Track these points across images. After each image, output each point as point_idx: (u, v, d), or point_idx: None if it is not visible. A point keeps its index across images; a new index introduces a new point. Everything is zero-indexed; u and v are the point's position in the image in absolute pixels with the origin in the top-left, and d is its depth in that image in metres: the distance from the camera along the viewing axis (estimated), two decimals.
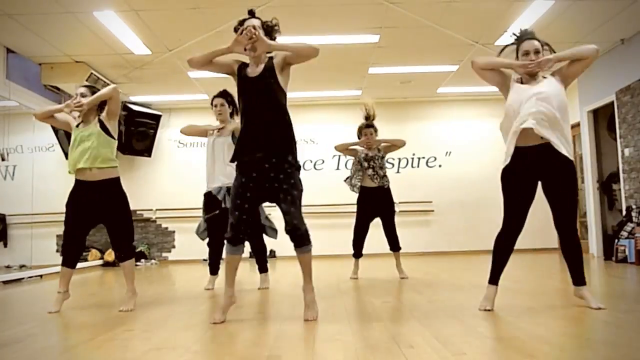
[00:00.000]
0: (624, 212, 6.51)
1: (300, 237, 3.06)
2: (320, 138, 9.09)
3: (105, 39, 5.79)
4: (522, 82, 3.32)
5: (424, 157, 9.08)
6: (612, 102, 6.58)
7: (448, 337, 2.49)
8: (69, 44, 5.98)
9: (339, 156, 9.06)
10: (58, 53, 6.21)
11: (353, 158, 5.24)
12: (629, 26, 5.84)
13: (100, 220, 3.69)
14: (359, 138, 5.23)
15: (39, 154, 8.45)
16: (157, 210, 8.90)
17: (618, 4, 5.24)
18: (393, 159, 9.08)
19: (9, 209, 8.02)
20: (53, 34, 5.64)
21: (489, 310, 3.14)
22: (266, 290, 4.57)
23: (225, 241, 3.08)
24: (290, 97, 8.00)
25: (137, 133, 8.44)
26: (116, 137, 3.72)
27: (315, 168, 9.03)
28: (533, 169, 3.14)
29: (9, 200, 7.95)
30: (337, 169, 9.03)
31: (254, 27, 3.04)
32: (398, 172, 9.04)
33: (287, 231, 3.06)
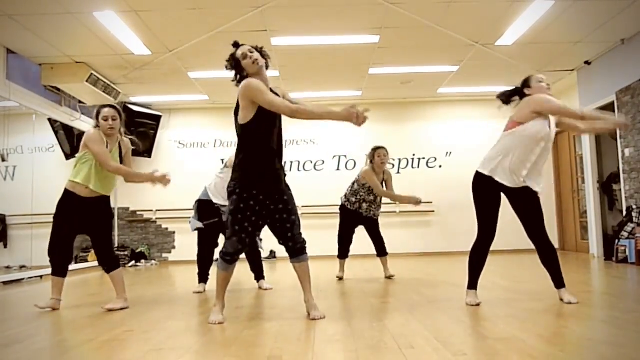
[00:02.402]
0: (624, 213, 6.51)
1: (301, 249, 3.13)
2: (321, 138, 9.09)
3: (106, 39, 5.79)
4: None
5: (424, 158, 9.08)
6: (613, 103, 6.58)
7: (448, 337, 2.49)
8: (69, 44, 5.98)
9: (339, 157, 9.07)
10: (58, 53, 6.21)
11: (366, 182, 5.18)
12: (629, 26, 5.84)
13: (86, 232, 3.82)
14: (372, 160, 5.19)
15: (39, 155, 8.44)
16: (157, 210, 8.90)
17: (618, 4, 5.23)
18: (393, 160, 9.08)
19: (9, 210, 8.02)
20: (53, 34, 5.64)
21: (479, 303, 3.35)
22: (267, 290, 4.57)
23: (220, 258, 3.10)
24: (291, 97, 7.92)
25: (137, 134, 8.43)
26: None
27: (315, 169, 9.02)
28: (498, 189, 3.41)
29: (9, 201, 7.94)
30: (337, 169, 9.03)
31: (250, 51, 3.16)
32: (398, 172, 9.03)
33: (292, 248, 3.12)
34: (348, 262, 5.58)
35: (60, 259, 3.74)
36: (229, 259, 3.05)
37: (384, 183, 5.27)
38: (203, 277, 4.69)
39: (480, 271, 3.50)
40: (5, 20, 5.20)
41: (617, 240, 6.29)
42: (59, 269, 3.74)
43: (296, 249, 3.11)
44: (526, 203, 3.37)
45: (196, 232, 4.69)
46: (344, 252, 5.38)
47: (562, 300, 3.34)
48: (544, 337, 2.42)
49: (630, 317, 2.90)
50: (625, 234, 6.17)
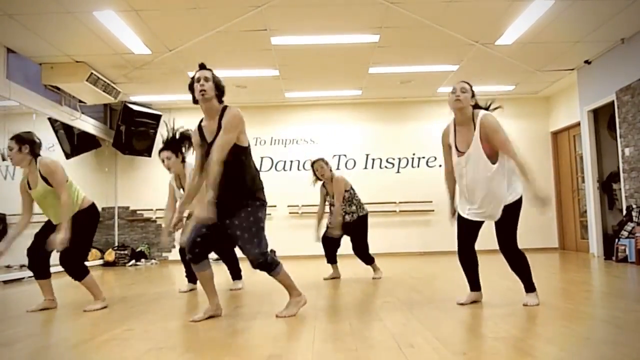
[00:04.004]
0: (624, 212, 6.51)
1: (264, 267, 3.14)
2: (320, 138, 9.09)
3: (106, 38, 5.78)
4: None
5: (424, 157, 9.08)
6: (613, 102, 6.58)
7: (448, 336, 2.49)
8: (69, 43, 5.98)
9: (339, 156, 9.07)
10: (58, 53, 6.21)
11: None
12: (629, 26, 5.84)
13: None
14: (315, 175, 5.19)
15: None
16: (157, 210, 8.90)
17: (618, 3, 5.23)
18: (393, 159, 9.09)
19: (9, 209, 8.01)
20: (53, 33, 5.64)
21: (461, 304, 3.35)
22: (253, 290, 4.57)
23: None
24: (290, 97, 8.04)
25: (138, 133, 8.44)
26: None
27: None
28: None
29: (9, 200, 7.92)
30: (337, 168, 9.01)
31: (205, 79, 3.07)
32: (398, 171, 9.04)
33: (252, 264, 3.13)
34: (348, 262, 5.58)
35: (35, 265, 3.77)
36: (190, 259, 3.10)
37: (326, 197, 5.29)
38: (191, 278, 4.73)
39: (474, 273, 3.47)
40: (6, 20, 5.19)
41: (617, 240, 6.29)
42: (38, 273, 3.77)
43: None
44: (502, 220, 3.28)
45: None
46: (329, 256, 5.34)
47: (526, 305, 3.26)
48: (544, 336, 2.43)
49: (630, 316, 2.90)
50: (625, 233, 6.17)
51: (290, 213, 8.51)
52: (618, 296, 3.84)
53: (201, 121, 3.22)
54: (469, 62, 7.05)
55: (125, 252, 8.57)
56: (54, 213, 3.66)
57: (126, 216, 9.03)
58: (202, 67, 3.17)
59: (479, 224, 3.35)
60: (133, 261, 8.49)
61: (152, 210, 8.94)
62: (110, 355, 2.35)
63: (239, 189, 3.08)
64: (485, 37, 6.13)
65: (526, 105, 9.01)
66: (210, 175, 2.97)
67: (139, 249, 8.75)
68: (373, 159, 9.07)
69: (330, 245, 5.28)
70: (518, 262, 3.32)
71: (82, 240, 3.72)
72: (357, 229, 5.15)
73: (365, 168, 9.06)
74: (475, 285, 3.47)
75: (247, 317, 3.22)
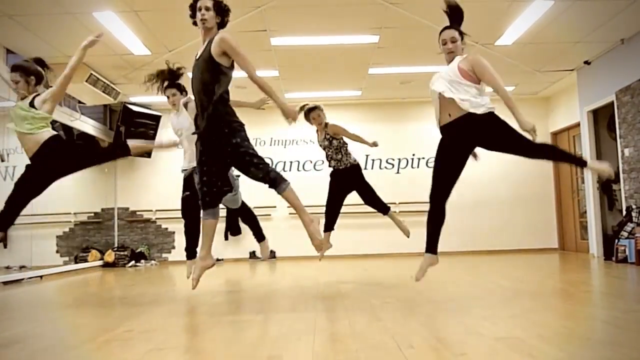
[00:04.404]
0: (624, 212, 6.51)
1: (271, 182, 3.35)
2: None
3: (105, 39, 5.75)
4: None
5: (424, 158, 9.08)
6: (612, 102, 6.58)
7: (448, 337, 2.49)
8: (69, 44, 5.97)
9: None
10: (57, 54, 6.21)
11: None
12: (629, 26, 5.84)
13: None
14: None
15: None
16: (157, 210, 8.89)
17: (618, 4, 5.24)
18: (393, 160, 9.09)
19: None
20: (53, 34, 5.64)
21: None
22: (261, 260, 4.58)
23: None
24: (291, 97, 8.04)
25: (137, 134, 8.43)
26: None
27: (315, 169, 9.02)
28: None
29: None
30: None
31: (207, 9, 3.32)
32: (398, 172, 9.04)
33: (263, 181, 3.35)
34: (349, 262, 5.58)
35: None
36: (201, 205, 3.36)
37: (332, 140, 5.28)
38: (190, 253, 4.74)
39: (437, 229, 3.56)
40: (5, 20, 5.19)
41: (616, 240, 6.29)
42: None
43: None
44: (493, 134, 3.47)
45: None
46: (329, 223, 5.30)
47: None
48: (544, 336, 2.42)
49: (630, 316, 2.90)
50: (625, 234, 6.17)
51: (290, 214, 8.50)
52: (618, 296, 3.84)
53: None
54: None
55: (125, 253, 8.57)
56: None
57: (126, 217, 9.02)
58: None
59: (463, 159, 3.52)
60: (133, 262, 8.49)
61: (151, 211, 8.94)
62: (111, 356, 2.35)
63: (207, 105, 3.30)
64: (485, 37, 6.14)
65: (526, 105, 8.98)
66: (266, 87, 3.47)
67: (138, 250, 8.75)
68: (373, 160, 9.07)
69: (337, 208, 5.28)
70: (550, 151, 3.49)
71: None
72: (359, 181, 5.22)
73: (365, 168, 9.03)
74: (435, 246, 3.49)
75: (247, 318, 3.22)
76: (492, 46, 6.38)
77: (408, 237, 5.15)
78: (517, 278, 4.91)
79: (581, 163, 3.37)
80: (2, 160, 6.58)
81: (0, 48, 5.86)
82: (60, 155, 3.63)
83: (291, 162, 9.00)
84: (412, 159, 9.08)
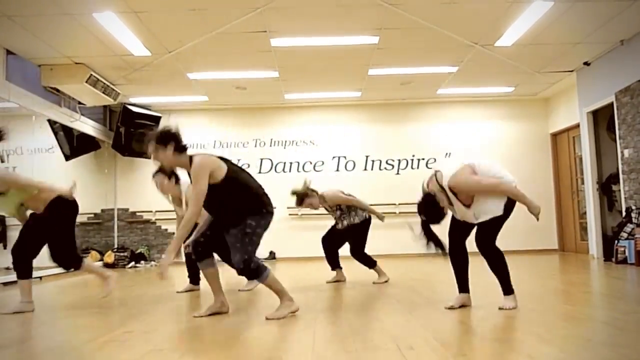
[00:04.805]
0: (623, 213, 6.51)
1: (247, 274, 3.19)
2: (320, 139, 9.09)
3: (105, 40, 5.78)
4: None
5: (423, 159, 9.08)
6: (612, 103, 6.58)
7: (448, 337, 2.49)
8: (69, 45, 5.98)
9: (339, 158, 9.07)
10: (57, 54, 6.21)
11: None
12: (629, 27, 5.84)
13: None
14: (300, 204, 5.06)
15: (38, 156, 8.43)
16: (156, 212, 8.89)
17: (617, 5, 5.24)
18: (393, 161, 9.09)
19: None
20: (53, 35, 5.64)
21: (452, 307, 3.29)
22: (254, 290, 4.59)
23: None
24: (290, 98, 8.03)
25: (137, 135, 8.43)
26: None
27: (315, 169, 9.02)
28: None
29: None
30: (337, 170, 9.03)
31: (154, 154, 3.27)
32: (398, 173, 9.04)
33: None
34: (348, 263, 5.57)
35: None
36: (194, 257, 3.26)
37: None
38: (193, 279, 4.77)
39: (461, 272, 3.46)
40: (5, 21, 5.19)
41: (616, 241, 6.29)
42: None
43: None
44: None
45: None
46: (331, 261, 5.28)
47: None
48: (544, 337, 2.42)
49: (630, 317, 2.90)
50: (625, 235, 6.17)
51: (290, 215, 8.50)
52: (618, 297, 3.84)
53: None
54: (468, 64, 7.06)
55: (125, 254, 8.56)
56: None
57: (125, 218, 9.02)
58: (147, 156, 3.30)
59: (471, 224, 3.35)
60: (132, 263, 8.48)
61: (151, 212, 8.93)
62: (110, 357, 2.35)
63: (233, 212, 3.16)
64: (485, 38, 6.14)
65: (525, 106, 9.01)
66: (181, 228, 3.06)
67: (138, 251, 8.74)
68: (373, 161, 9.07)
69: (331, 247, 5.25)
70: (495, 262, 3.30)
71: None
72: (356, 230, 5.13)
73: (365, 170, 9.07)
74: (464, 286, 3.42)
75: (247, 319, 3.22)
76: (491, 47, 6.39)
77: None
78: (516, 279, 4.89)
79: (507, 291, 3.30)
80: (2, 161, 6.57)
81: (0, 49, 5.86)
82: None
83: (291, 163, 9.00)
84: (412, 160, 9.08)
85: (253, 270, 3.14)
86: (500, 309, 3.18)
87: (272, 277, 3.20)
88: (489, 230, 3.28)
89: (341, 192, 5.12)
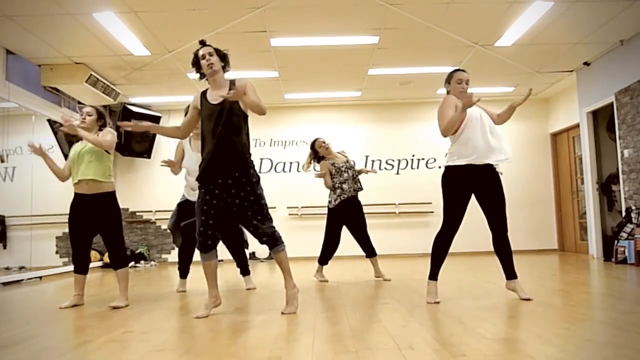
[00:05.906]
0: (623, 213, 6.51)
1: (271, 240, 3.35)
2: None
3: (105, 40, 5.79)
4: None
5: (423, 159, 9.08)
6: (612, 103, 6.58)
7: (448, 338, 2.49)
8: (69, 45, 5.98)
9: None
10: (57, 54, 6.21)
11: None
12: (628, 27, 5.85)
13: (97, 231, 3.94)
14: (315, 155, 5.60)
15: (38, 156, 8.44)
16: (156, 211, 8.89)
17: (617, 5, 5.24)
18: (393, 161, 9.09)
19: (8, 211, 8.01)
20: (52, 35, 5.64)
21: (437, 302, 3.48)
22: (250, 290, 4.60)
23: (197, 249, 3.33)
24: (290, 98, 8.05)
25: (137, 134, 8.44)
26: (111, 153, 4.06)
27: (314, 169, 9.00)
28: (469, 185, 3.62)
29: (9, 202, 7.93)
30: None
31: (210, 54, 3.40)
32: (398, 173, 9.04)
33: (259, 238, 3.34)
34: (348, 263, 5.57)
35: (75, 258, 3.93)
36: (200, 248, 3.27)
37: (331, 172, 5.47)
38: (183, 272, 4.83)
39: (442, 262, 3.67)
40: (5, 21, 5.20)
41: (616, 241, 6.29)
42: (75, 267, 3.94)
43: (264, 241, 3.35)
44: (495, 196, 3.62)
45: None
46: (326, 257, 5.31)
47: (512, 290, 3.60)
48: (544, 337, 2.42)
49: (630, 317, 2.90)
50: (625, 235, 6.17)
51: (289, 215, 8.50)
52: (618, 297, 3.83)
53: (204, 91, 3.46)
54: (468, 64, 7.06)
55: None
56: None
57: (125, 218, 9.01)
58: (203, 43, 3.43)
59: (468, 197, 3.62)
60: (132, 263, 8.48)
61: (151, 212, 8.94)
62: (110, 357, 2.35)
63: (234, 149, 3.21)
64: (485, 38, 6.14)
65: (525, 106, 8.90)
66: (259, 106, 3.25)
67: (138, 251, 8.74)
68: (373, 161, 9.07)
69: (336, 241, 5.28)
70: (509, 246, 3.59)
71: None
72: (355, 211, 5.21)
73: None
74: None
75: (246, 319, 3.22)
76: (491, 47, 6.39)
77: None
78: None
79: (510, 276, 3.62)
80: (2, 161, 6.57)
81: (0, 49, 5.86)
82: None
83: (291, 163, 9.00)
84: (412, 160, 9.09)
85: (277, 238, 3.36)
86: (527, 299, 3.45)
87: (285, 252, 3.45)
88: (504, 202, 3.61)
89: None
